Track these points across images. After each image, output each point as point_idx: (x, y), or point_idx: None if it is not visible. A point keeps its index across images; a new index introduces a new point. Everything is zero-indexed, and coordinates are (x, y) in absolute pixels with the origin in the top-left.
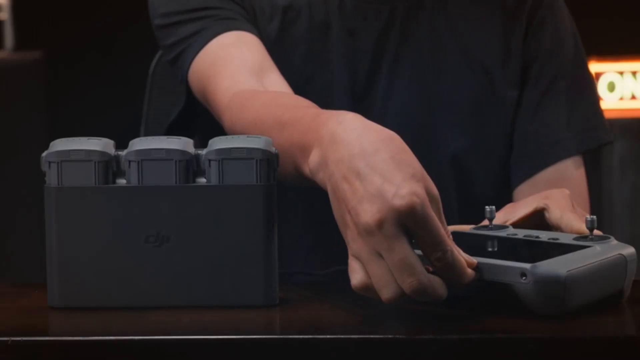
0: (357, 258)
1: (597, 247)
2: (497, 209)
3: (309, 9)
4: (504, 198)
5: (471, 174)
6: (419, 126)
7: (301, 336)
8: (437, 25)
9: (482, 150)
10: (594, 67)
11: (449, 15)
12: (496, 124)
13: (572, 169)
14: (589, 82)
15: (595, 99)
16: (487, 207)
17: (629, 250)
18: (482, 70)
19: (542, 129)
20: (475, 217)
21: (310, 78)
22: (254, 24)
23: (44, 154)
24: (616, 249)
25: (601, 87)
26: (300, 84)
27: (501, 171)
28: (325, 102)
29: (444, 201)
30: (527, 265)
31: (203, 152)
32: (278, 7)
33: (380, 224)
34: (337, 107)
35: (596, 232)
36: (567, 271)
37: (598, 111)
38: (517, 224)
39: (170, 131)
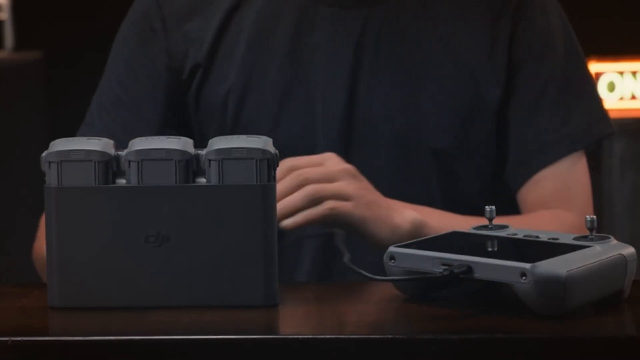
0: None
1: (597, 247)
2: (485, 203)
3: (283, 18)
4: (490, 190)
5: (454, 170)
6: (402, 126)
7: (301, 336)
8: (419, 26)
9: (465, 148)
10: (594, 67)
11: (432, 16)
12: (480, 123)
13: (567, 166)
14: (584, 78)
15: (592, 93)
16: (487, 207)
17: (629, 250)
18: (467, 69)
19: (538, 131)
20: (461, 209)
21: (288, 88)
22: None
23: (44, 154)
24: (616, 249)
25: (601, 87)
26: (278, 94)
27: (487, 167)
28: (307, 109)
29: (426, 192)
30: (527, 265)
31: (203, 152)
32: (245, 22)
33: None
34: (321, 113)
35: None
36: (567, 271)
37: (596, 105)
38: None
39: None
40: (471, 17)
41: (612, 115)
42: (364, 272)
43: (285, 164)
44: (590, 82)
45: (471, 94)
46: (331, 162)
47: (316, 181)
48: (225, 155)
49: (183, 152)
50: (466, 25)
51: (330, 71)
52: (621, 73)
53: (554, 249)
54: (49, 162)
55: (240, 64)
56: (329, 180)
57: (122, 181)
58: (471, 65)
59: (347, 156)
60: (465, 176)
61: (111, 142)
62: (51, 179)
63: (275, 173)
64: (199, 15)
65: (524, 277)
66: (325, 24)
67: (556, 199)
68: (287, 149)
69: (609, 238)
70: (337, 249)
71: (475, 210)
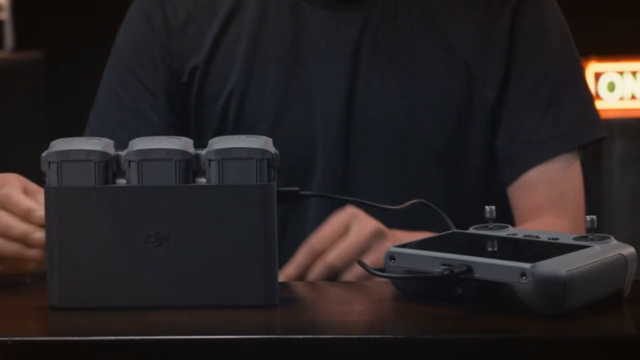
0: None
1: (597, 247)
2: (486, 203)
3: (279, 22)
4: (491, 191)
5: (454, 171)
6: (401, 127)
7: (301, 336)
8: (417, 26)
9: (464, 149)
10: (594, 67)
11: (431, 16)
12: (478, 123)
13: (560, 168)
14: (578, 79)
15: (586, 95)
16: (487, 207)
17: (629, 250)
18: (466, 70)
19: (528, 128)
20: (463, 210)
21: (287, 91)
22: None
23: (44, 154)
24: (616, 249)
25: (601, 87)
26: (278, 97)
27: (485, 167)
28: (306, 112)
29: (430, 196)
30: (527, 265)
31: (203, 152)
32: (244, 26)
33: None
34: (320, 116)
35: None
36: (567, 271)
37: (589, 107)
38: None
39: None
40: (471, 18)
41: (612, 115)
42: (369, 267)
43: (307, 248)
44: (584, 85)
45: (469, 93)
46: (357, 227)
47: (344, 267)
48: (225, 155)
49: (183, 152)
50: (463, 22)
51: (328, 74)
52: (621, 73)
53: (554, 249)
54: (49, 162)
55: (240, 68)
56: (360, 255)
57: (122, 181)
58: (470, 65)
59: (346, 158)
60: (466, 177)
61: (111, 142)
62: (51, 179)
63: (275, 173)
64: (198, 20)
65: (524, 277)
66: (322, 27)
67: (549, 204)
68: (288, 151)
69: (609, 238)
70: None
71: (476, 210)
